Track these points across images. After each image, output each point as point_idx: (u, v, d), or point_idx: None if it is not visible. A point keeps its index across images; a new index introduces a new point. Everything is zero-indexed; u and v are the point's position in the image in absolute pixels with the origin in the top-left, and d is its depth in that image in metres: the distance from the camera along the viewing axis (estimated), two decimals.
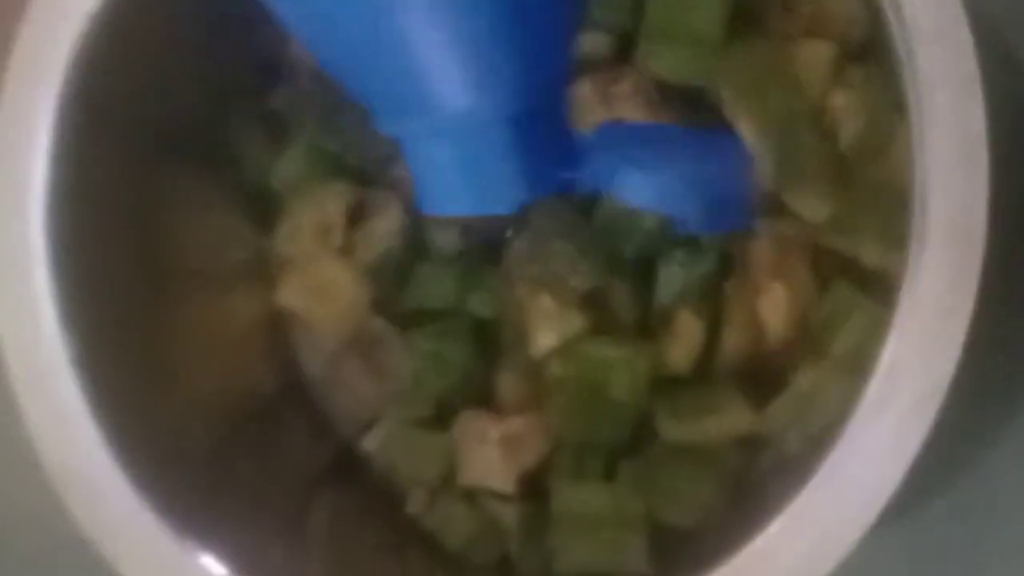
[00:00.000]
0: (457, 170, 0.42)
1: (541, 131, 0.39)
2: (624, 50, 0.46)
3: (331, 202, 0.48)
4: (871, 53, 0.44)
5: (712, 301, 0.45)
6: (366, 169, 0.49)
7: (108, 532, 0.39)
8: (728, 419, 0.44)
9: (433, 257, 0.47)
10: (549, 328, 0.45)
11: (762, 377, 0.45)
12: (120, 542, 0.39)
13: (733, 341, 0.45)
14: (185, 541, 0.39)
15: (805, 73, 0.44)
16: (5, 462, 0.50)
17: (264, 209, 0.50)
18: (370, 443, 0.49)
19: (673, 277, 0.45)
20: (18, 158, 0.42)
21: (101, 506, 0.39)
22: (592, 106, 0.46)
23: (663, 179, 0.41)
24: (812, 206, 0.44)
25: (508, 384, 0.47)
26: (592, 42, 0.46)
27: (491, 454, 0.46)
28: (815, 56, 0.45)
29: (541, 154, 0.40)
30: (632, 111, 0.46)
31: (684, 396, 0.45)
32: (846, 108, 0.44)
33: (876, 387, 0.36)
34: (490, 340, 0.47)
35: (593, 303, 0.46)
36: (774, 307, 0.45)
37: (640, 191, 0.41)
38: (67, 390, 0.40)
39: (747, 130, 0.44)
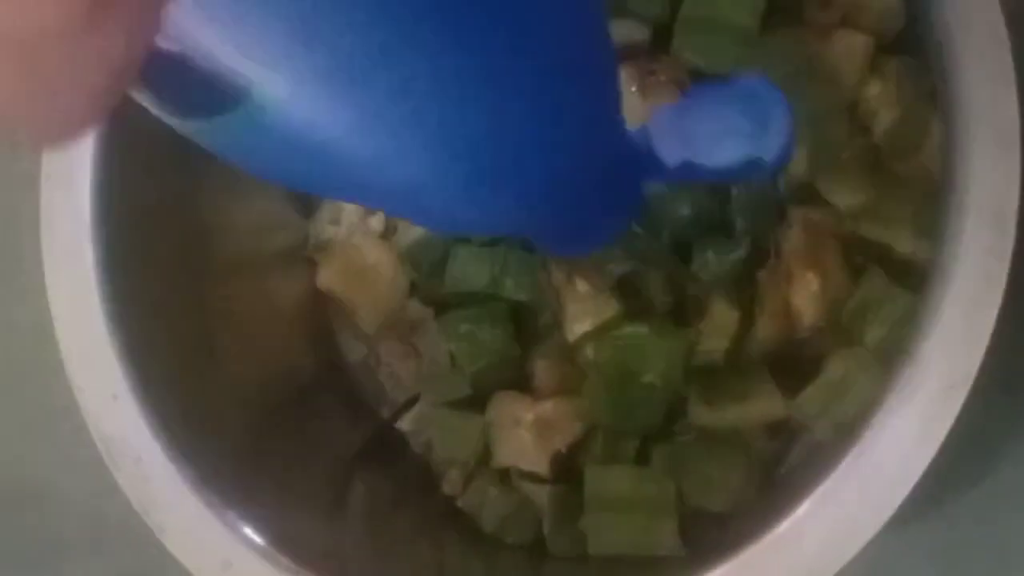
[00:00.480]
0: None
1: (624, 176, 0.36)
2: (660, 40, 0.47)
3: None
4: (905, 45, 0.45)
5: (745, 289, 0.46)
6: None
7: (153, 504, 0.40)
8: (760, 405, 0.45)
9: (470, 242, 0.48)
10: (584, 313, 0.46)
11: (794, 365, 0.46)
12: (165, 514, 0.40)
13: (766, 329, 0.46)
14: (227, 514, 0.40)
15: (840, 64, 0.45)
16: (57, 438, 0.51)
17: (307, 194, 0.51)
18: (407, 424, 0.50)
19: (707, 264, 0.45)
20: (69, 148, 0.43)
21: (147, 479, 0.40)
22: (628, 94, 0.46)
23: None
24: (846, 195, 0.45)
25: (543, 367, 0.48)
26: (629, 31, 0.47)
27: (525, 436, 0.47)
28: (850, 48, 0.45)
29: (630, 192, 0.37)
30: (669, 100, 0.46)
31: (716, 382, 0.46)
32: (880, 99, 0.45)
33: (904, 375, 0.37)
34: (526, 323, 0.48)
35: (628, 289, 0.46)
36: (806, 295, 0.45)
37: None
38: (116, 368, 0.42)
39: None
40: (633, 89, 0.46)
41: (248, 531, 0.40)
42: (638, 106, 0.46)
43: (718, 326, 0.46)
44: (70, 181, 0.43)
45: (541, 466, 0.47)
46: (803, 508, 0.38)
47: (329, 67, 0.24)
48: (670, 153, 0.33)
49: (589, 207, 0.34)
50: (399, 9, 0.24)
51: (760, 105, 0.33)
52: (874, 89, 0.45)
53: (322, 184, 0.29)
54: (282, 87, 0.24)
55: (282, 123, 0.24)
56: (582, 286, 0.46)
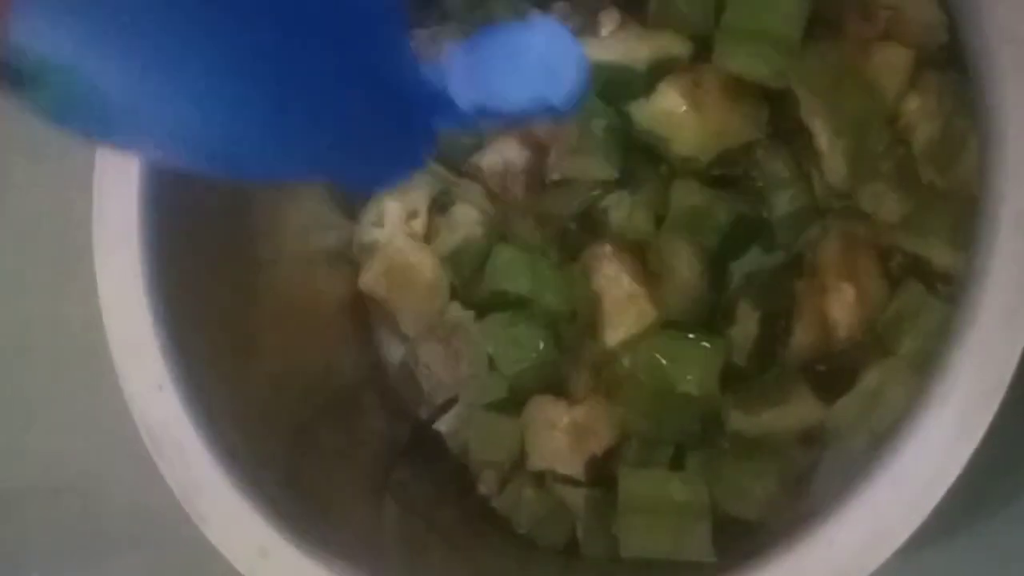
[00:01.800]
0: None
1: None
2: (703, 50, 0.48)
3: (415, 189, 0.51)
4: (947, 58, 0.45)
5: (783, 299, 0.47)
6: (449, 159, 0.52)
7: (195, 492, 0.42)
8: (795, 411, 0.46)
9: (511, 246, 0.49)
10: (622, 320, 0.47)
11: (829, 375, 0.46)
12: (205, 502, 0.41)
13: (802, 338, 0.47)
14: (265, 503, 0.41)
15: (881, 78, 0.46)
16: (102, 433, 0.53)
17: (352, 198, 0.53)
18: (444, 425, 0.52)
19: (744, 273, 0.46)
20: None
21: (189, 468, 0.42)
22: (680, 111, 0.47)
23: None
24: (884, 206, 0.46)
25: (579, 372, 0.49)
26: (670, 45, 0.47)
27: (560, 440, 0.48)
28: (892, 61, 0.46)
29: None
30: (716, 109, 0.47)
31: (752, 389, 0.47)
32: (920, 113, 0.46)
33: (938, 383, 0.38)
34: (564, 328, 0.49)
35: (665, 297, 0.47)
36: (843, 306, 0.46)
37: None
38: (161, 359, 0.43)
39: (821, 130, 0.45)
40: (684, 108, 0.47)
41: (286, 521, 0.41)
42: (695, 123, 0.47)
43: (745, 332, 0.46)
44: (122, 177, 0.45)
45: (576, 470, 0.48)
46: (835, 515, 0.38)
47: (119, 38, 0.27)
48: (463, 94, 0.34)
49: (381, 149, 0.35)
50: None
51: (552, 48, 0.33)
52: (914, 103, 0.46)
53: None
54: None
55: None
56: (623, 288, 0.47)
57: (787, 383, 0.46)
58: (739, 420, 0.46)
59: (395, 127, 0.34)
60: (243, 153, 0.31)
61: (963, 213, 0.43)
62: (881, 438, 0.40)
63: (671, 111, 0.47)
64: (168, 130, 0.30)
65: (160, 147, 0.31)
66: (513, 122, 0.38)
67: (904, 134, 0.46)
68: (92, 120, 0.29)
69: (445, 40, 0.50)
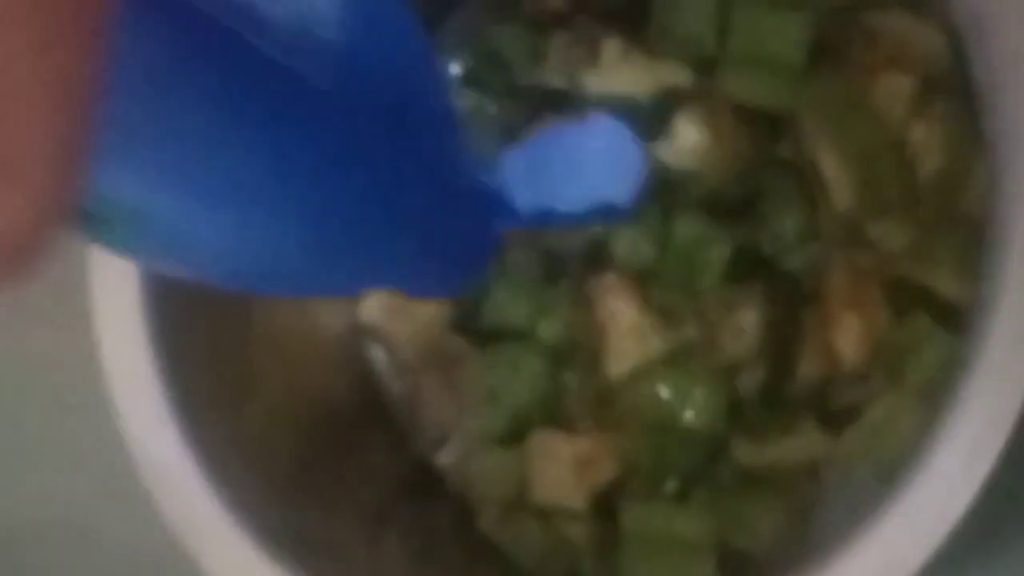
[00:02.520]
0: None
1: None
2: (705, 76, 0.48)
3: None
4: (952, 86, 0.46)
5: (787, 330, 0.47)
6: None
7: (193, 530, 0.41)
8: (802, 445, 0.46)
9: (510, 277, 0.49)
10: (627, 351, 0.47)
11: (836, 407, 0.46)
12: (204, 540, 0.41)
13: (809, 370, 0.46)
14: (266, 541, 0.41)
15: (885, 106, 0.46)
16: (99, 473, 0.53)
17: None
18: (444, 458, 0.51)
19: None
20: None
21: (188, 504, 0.42)
22: (700, 142, 0.47)
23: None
24: (890, 236, 0.46)
25: (581, 404, 0.48)
26: (670, 74, 0.48)
27: (563, 473, 0.47)
28: (896, 90, 0.46)
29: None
30: (731, 138, 0.47)
31: (759, 422, 0.46)
32: (925, 143, 0.46)
33: (946, 413, 0.38)
34: (565, 360, 0.48)
35: (670, 328, 0.47)
36: (849, 337, 0.46)
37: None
38: (158, 393, 0.43)
39: (827, 159, 0.45)
40: (707, 140, 0.47)
41: (285, 557, 0.41)
42: (718, 151, 0.47)
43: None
44: None
45: (579, 503, 0.47)
46: (842, 548, 0.38)
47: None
48: (522, 198, 0.33)
49: (440, 257, 0.34)
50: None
51: (613, 147, 0.33)
52: (919, 133, 0.46)
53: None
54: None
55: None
56: (627, 321, 0.47)
57: (792, 415, 0.46)
58: (745, 453, 0.46)
59: (458, 232, 0.34)
60: (311, 271, 0.31)
61: (970, 243, 0.43)
62: (889, 469, 0.39)
63: (694, 146, 0.47)
64: (235, 256, 0.30)
65: (220, 272, 0.31)
66: (574, 224, 0.37)
67: (910, 163, 0.46)
68: (157, 251, 0.29)
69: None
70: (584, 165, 0.33)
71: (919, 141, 0.46)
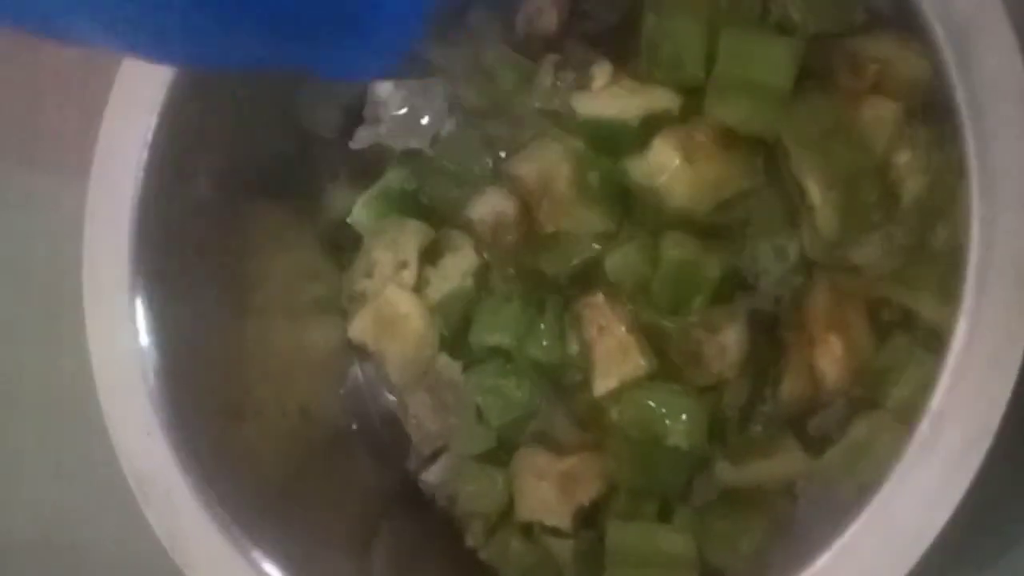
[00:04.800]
0: None
1: None
2: (694, 102, 0.49)
3: (406, 240, 0.52)
4: (935, 112, 0.46)
5: (770, 350, 0.47)
6: (440, 210, 0.53)
7: (180, 542, 0.42)
8: (782, 462, 0.46)
9: (497, 297, 0.49)
10: (612, 370, 0.48)
11: (817, 426, 0.47)
12: (191, 552, 0.42)
13: (791, 390, 0.47)
14: (252, 552, 0.42)
15: (871, 131, 0.47)
16: (91, 478, 0.53)
17: (342, 247, 0.54)
18: (432, 476, 0.52)
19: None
20: (112, 193, 0.46)
21: (176, 515, 0.43)
22: (674, 163, 0.48)
23: None
24: (875, 258, 0.46)
25: (567, 423, 0.49)
26: (659, 99, 0.48)
27: (548, 491, 0.49)
28: (881, 115, 0.47)
29: None
30: (710, 162, 0.48)
31: (740, 441, 0.47)
32: (909, 167, 0.47)
33: (925, 430, 0.38)
34: (552, 379, 0.50)
35: (655, 348, 0.48)
36: (831, 358, 0.47)
37: None
38: (150, 407, 0.44)
39: (812, 184, 0.46)
40: (678, 162, 0.47)
41: (273, 571, 0.42)
42: (690, 176, 0.47)
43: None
44: (113, 226, 0.46)
45: (564, 521, 0.48)
46: (822, 565, 0.39)
47: None
48: None
49: (351, 28, 0.33)
50: None
51: None
52: (903, 157, 0.47)
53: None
54: None
55: None
56: (615, 340, 0.48)
57: (774, 434, 0.47)
58: (728, 470, 0.47)
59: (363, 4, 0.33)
60: (196, 26, 0.30)
61: (951, 266, 0.44)
62: (871, 488, 0.40)
63: (666, 165, 0.48)
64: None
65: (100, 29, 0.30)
66: None
67: (894, 187, 0.47)
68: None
69: None
70: None
71: (903, 165, 0.47)
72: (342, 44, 0.34)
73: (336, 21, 0.33)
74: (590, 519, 0.48)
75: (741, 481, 0.47)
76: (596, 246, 0.50)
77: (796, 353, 0.47)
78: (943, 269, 0.45)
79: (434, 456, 0.52)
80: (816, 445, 0.47)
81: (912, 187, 0.46)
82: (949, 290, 0.44)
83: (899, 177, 0.47)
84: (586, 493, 0.48)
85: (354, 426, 0.53)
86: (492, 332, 0.50)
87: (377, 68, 0.39)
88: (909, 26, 0.43)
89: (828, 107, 0.47)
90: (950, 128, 0.44)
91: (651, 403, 0.47)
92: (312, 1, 0.32)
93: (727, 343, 0.47)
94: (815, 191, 0.46)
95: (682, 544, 0.46)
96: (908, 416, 0.43)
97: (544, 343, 0.49)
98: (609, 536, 0.47)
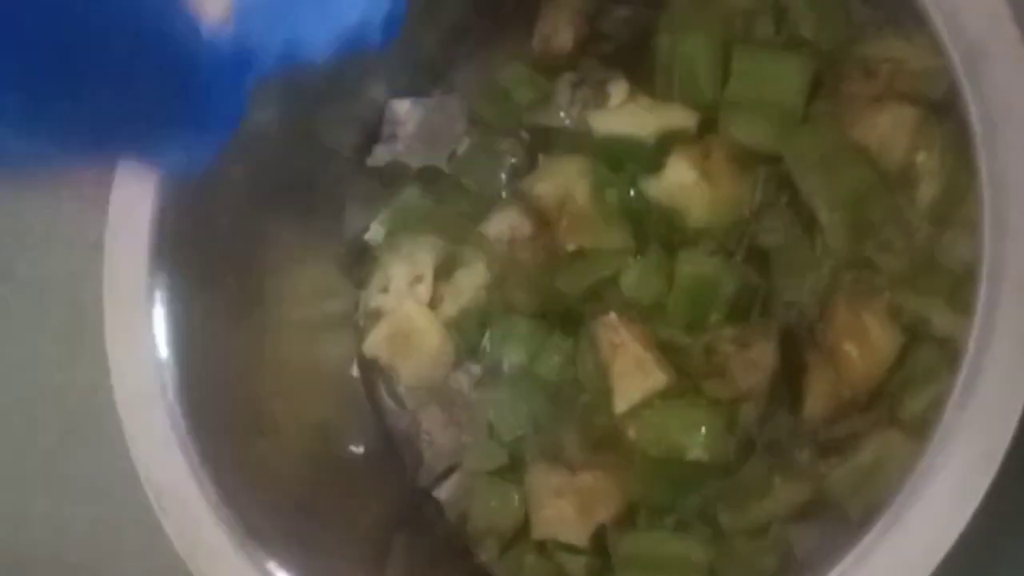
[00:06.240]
0: None
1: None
2: (710, 120, 0.49)
3: (421, 254, 0.53)
4: (949, 113, 0.46)
5: (793, 366, 0.48)
6: (456, 226, 0.54)
7: (198, 553, 0.43)
8: (783, 497, 0.47)
9: (511, 315, 0.50)
10: (631, 387, 0.48)
11: (833, 437, 0.47)
12: (208, 563, 0.43)
13: (814, 402, 0.47)
14: (267, 564, 0.43)
15: (888, 135, 0.47)
16: (111, 495, 0.54)
17: (359, 264, 0.54)
18: (444, 492, 0.53)
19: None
20: (132, 211, 0.47)
21: (193, 526, 0.43)
22: (692, 182, 0.48)
23: None
24: (888, 270, 0.47)
25: (582, 440, 0.50)
26: (677, 118, 0.49)
27: (566, 508, 0.49)
28: (899, 119, 0.47)
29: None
30: (726, 179, 0.49)
31: (735, 486, 0.48)
32: (926, 166, 0.46)
33: (937, 446, 0.39)
34: (565, 397, 0.50)
35: (672, 364, 0.48)
36: (852, 372, 0.47)
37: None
38: (168, 420, 0.45)
39: (820, 205, 0.47)
40: (694, 180, 0.48)
41: None
42: (707, 194, 0.48)
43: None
44: (133, 242, 0.47)
45: (582, 538, 0.49)
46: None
47: None
48: (265, 44, 0.30)
49: (169, 114, 0.32)
50: None
51: None
52: (919, 157, 0.47)
53: None
54: None
55: None
56: (632, 356, 0.48)
57: (765, 470, 0.47)
58: (729, 520, 0.48)
59: (181, 88, 0.31)
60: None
61: (964, 279, 0.44)
62: (879, 507, 0.40)
63: (682, 184, 0.49)
64: None
65: None
66: (324, 60, 0.33)
67: (909, 191, 0.47)
68: None
69: None
70: None
71: (920, 164, 0.47)
72: (168, 136, 0.33)
73: (158, 118, 0.32)
74: (604, 535, 0.49)
75: (746, 524, 0.47)
76: (616, 264, 0.50)
77: (818, 370, 0.47)
78: (956, 281, 0.45)
79: (447, 473, 0.53)
80: (829, 458, 0.47)
81: (926, 188, 0.46)
82: (961, 303, 0.44)
83: (915, 178, 0.47)
84: (606, 511, 0.48)
85: (368, 442, 0.54)
86: (505, 348, 0.50)
87: (207, 151, 0.37)
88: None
89: (831, 128, 0.47)
90: (962, 134, 0.44)
91: (669, 418, 0.48)
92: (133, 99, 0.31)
93: (758, 358, 0.48)
94: (823, 212, 0.47)
95: (695, 551, 0.47)
96: (920, 430, 0.43)
97: (555, 361, 0.50)
98: (622, 546, 0.48)
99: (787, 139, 0.47)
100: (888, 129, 0.47)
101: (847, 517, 0.46)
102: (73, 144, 0.30)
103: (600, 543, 0.49)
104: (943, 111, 0.47)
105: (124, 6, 0.29)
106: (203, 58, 0.31)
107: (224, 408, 0.47)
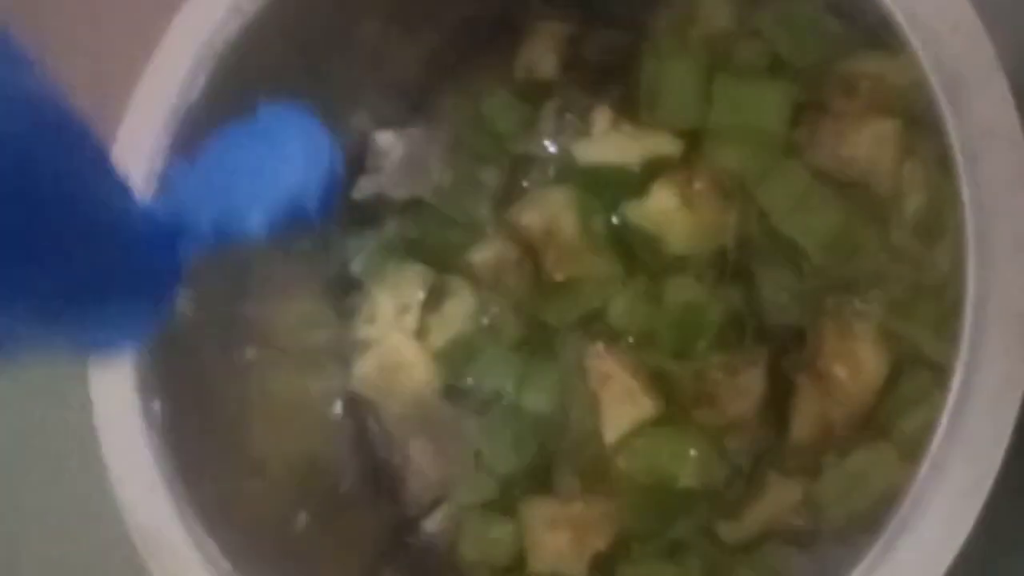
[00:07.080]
0: None
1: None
2: (695, 146, 0.50)
3: (408, 285, 0.53)
4: (930, 126, 0.46)
5: (780, 391, 0.48)
6: (442, 256, 0.54)
7: None
8: (776, 497, 0.47)
9: (498, 345, 0.50)
10: (621, 416, 0.48)
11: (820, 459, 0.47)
12: None
13: (799, 432, 0.48)
14: None
15: (874, 152, 0.47)
16: (98, 535, 0.54)
17: (346, 296, 0.54)
18: (432, 524, 0.53)
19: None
20: None
21: (181, 569, 0.43)
22: (673, 209, 0.49)
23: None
24: (876, 294, 0.47)
25: (572, 470, 0.50)
26: (661, 145, 0.49)
27: (561, 540, 0.49)
28: (882, 134, 0.47)
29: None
30: (708, 206, 0.49)
31: (732, 494, 0.48)
32: (910, 178, 0.47)
33: (927, 471, 0.39)
34: (554, 427, 0.50)
35: (662, 392, 0.48)
36: (839, 394, 0.47)
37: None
38: (151, 458, 0.45)
39: (801, 241, 0.47)
40: (677, 207, 0.48)
41: None
42: (688, 220, 0.48)
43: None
44: None
45: (579, 569, 0.49)
46: None
47: None
48: (199, 216, 0.30)
49: (105, 300, 0.30)
50: None
51: (293, 140, 0.30)
52: (906, 168, 0.47)
53: None
54: None
55: None
56: (620, 385, 0.48)
57: (759, 474, 0.48)
58: (728, 530, 0.48)
59: (114, 270, 0.30)
60: None
61: (951, 305, 0.44)
62: (861, 519, 0.40)
63: (664, 210, 0.49)
64: None
65: None
66: (264, 236, 0.32)
67: (896, 203, 0.47)
68: None
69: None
70: (263, 167, 0.29)
71: (906, 175, 0.47)
72: (97, 316, 0.31)
73: (94, 285, 0.30)
74: (600, 565, 0.49)
75: (745, 532, 0.47)
76: (604, 293, 0.51)
77: (806, 394, 0.47)
78: (943, 307, 0.46)
79: (434, 505, 0.53)
80: (815, 469, 0.47)
81: (911, 202, 0.46)
82: (946, 328, 0.44)
83: (903, 191, 0.47)
84: (600, 540, 0.48)
85: (356, 475, 0.54)
86: (493, 378, 0.50)
87: (136, 333, 0.35)
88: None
89: (803, 167, 0.47)
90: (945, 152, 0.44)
91: (658, 447, 0.48)
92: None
93: (746, 385, 0.48)
94: (803, 242, 0.47)
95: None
96: (911, 453, 0.43)
97: (544, 391, 0.50)
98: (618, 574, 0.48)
99: (760, 185, 0.47)
100: (873, 144, 0.47)
101: (841, 544, 0.46)
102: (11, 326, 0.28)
103: (598, 572, 0.49)
104: (925, 126, 0.47)
105: (56, 175, 0.27)
106: (137, 225, 0.30)
107: (210, 447, 0.47)
